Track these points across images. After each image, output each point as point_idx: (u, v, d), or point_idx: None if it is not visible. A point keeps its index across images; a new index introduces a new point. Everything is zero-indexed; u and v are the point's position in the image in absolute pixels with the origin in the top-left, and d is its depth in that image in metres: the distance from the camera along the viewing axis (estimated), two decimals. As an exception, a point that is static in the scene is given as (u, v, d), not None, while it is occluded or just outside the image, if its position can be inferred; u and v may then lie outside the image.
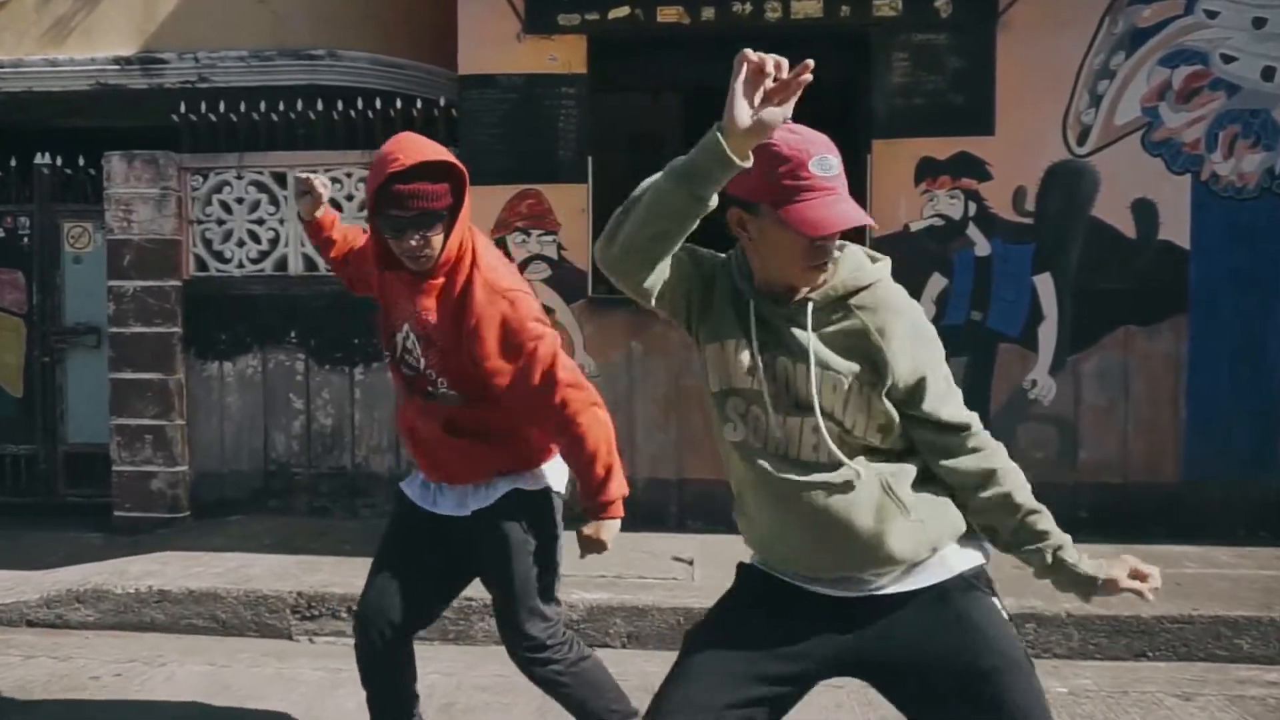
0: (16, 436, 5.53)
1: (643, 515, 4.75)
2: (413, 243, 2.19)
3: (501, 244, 4.91)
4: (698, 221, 1.55)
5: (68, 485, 5.52)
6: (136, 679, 3.30)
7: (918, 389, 1.64)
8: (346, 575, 3.92)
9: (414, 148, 2.21)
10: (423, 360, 2.31)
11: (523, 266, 4.92)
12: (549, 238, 4.93)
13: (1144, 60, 4.68)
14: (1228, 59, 4.64)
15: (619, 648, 3.61)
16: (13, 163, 5.54)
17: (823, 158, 1.57)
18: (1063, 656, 3.51)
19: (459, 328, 2.23)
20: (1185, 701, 3.12)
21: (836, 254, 1.66)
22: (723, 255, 1.76)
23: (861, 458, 1.64)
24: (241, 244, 5.18)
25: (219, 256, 5.20)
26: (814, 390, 1.61)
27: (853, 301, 1.65)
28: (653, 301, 1.66)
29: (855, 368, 1.62)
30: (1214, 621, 3.53)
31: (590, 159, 4.93)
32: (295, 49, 5.89)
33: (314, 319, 5.12)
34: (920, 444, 1.67)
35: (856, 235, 1.77)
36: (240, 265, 5.18)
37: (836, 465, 1.62)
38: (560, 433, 2.27)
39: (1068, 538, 1.65)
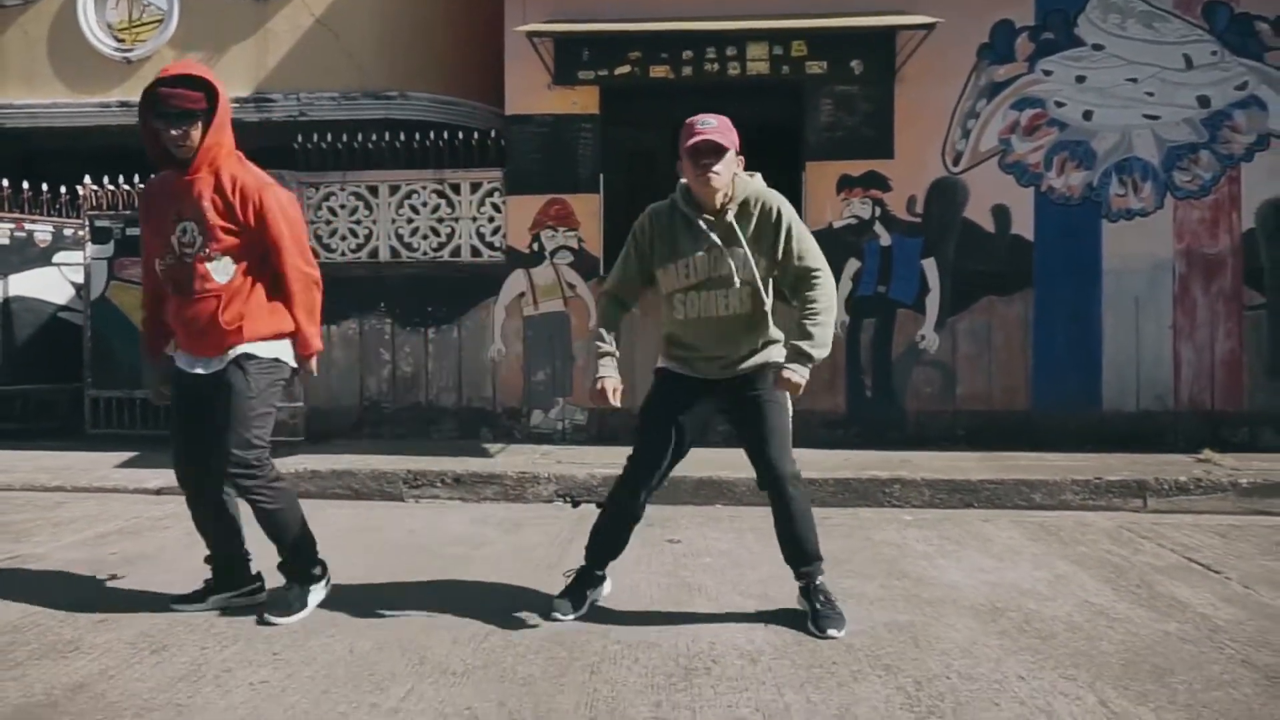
0: (169, 384, 7.32)
1: (640, 433, 6.56)
2: (174, 133, 2.91)
3: (537, 238, 6.72)
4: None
5: (207, 421, 7.29)
6: (313, 515, 5.02)
7: (797, 245, 3.02)
8: (435, 464, 5.69)
9: (180, 65, 2.95)
10: (200, 241, 2.97)
11: (552, 254, 6.71)
12: (572, 234, 6.72)
13: (1000, 105, 6.47)
14: (1059, 104, 6.43)
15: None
16: (167, 178, 7.32)
17: (705, 120, 2.96)
18: (918, 506, 5.26)
19: (244, 205, 3.02)
20: (984, 523, 4.88)
21: (718, 170, 2.94)
22: (646, 217, 3.16)
23: (748, 297, 3.03)
24: (344, 238, 6.96)
25: (327, 248, 6.98)
26: (735, 267, 3.01)
27: (753, 204, 3.02)
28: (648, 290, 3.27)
29: (763, 243, 3.01)
30: (1018, 483, 5.30)
31: (601, 176, 6.71)
32: (374, 91, 7.68)
33: (398, 293, 6.90)
34: (787, 281, 3.06)
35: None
36: (343, 254, 6.96)
37: (742, 308, 3.04)
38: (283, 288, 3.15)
39: (809, 349, 2.98)
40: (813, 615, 3.07)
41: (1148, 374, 6.43)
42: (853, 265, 6.53)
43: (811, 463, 5.64)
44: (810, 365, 2.99)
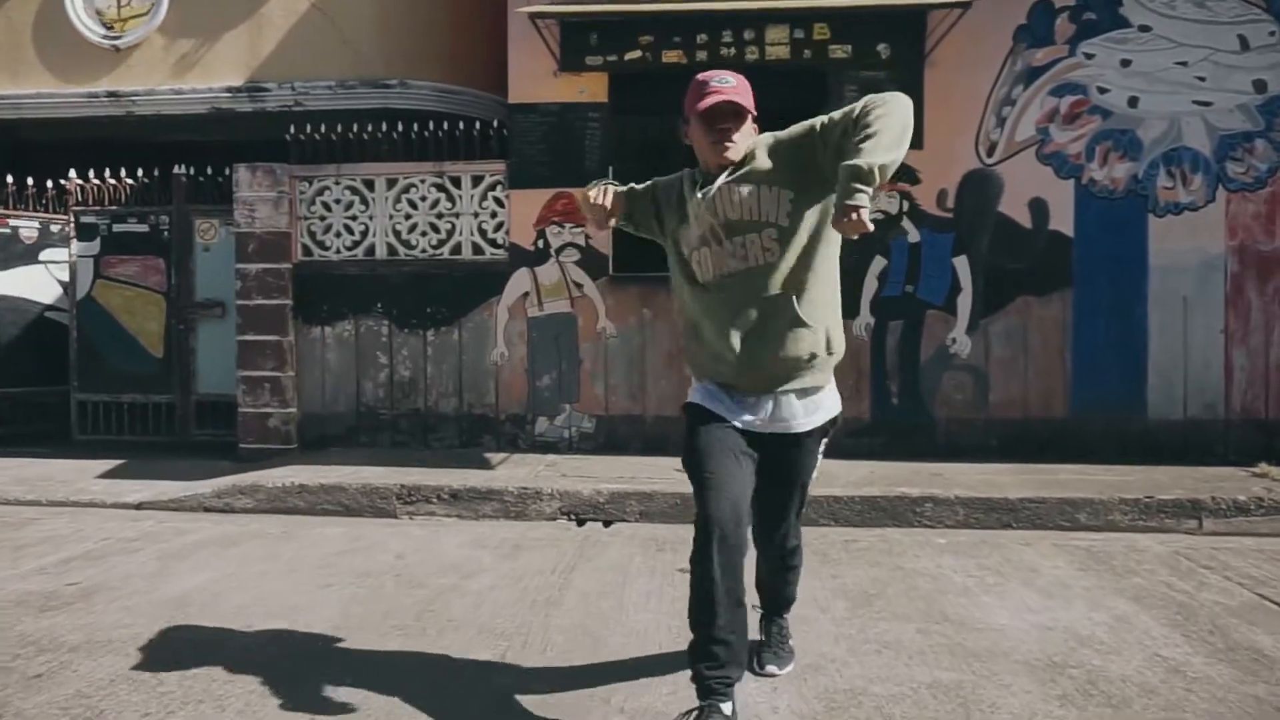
0: (158, 388, 6.99)
1: (652, 443, 6.18)
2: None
3: (542, 234, 6.33)
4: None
5: (197, 426, 6.97)
6: (297, 534, 4.72)
7: (828, 125, 2.37)
8: (432, 477, 5.33)
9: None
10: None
11: (558, 251, 6.32)
12: (578, 230, 6.32)
13: (1038, 91, 6.03)
14: (1102, 90, 5.98)
15: (634, 520, 5.00)
16: (155, 172, 6.99)
17: (722, 77, 2.43)
18: (951, 526, 4.85)
19: None
20: (1025, 547, 4.47)
21: (736, 139, 2.43)
22: (667, 179, 2.69)
23: (776, 242, 2.42)
24: (339, 235, 6.58)
25: (321, 245, 6.61)
26: (758, 201, 2.41)
27: (765, 145, 2.47)
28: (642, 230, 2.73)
29: (789, 166, 2.41)
30: (1061, 502, 4.89)
31: (611, 168, 6.31)
32: (373, 79, 7.30)
33: (395, 293, 6.52)
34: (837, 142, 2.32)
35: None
36: (338, 252, 6.59)
37: (770, 257, 2.43)
38: None
39: (866, 160, 2.18)
40: (759, 646, 2.85)
41: (1196, 380, 5.98)
42: (879, 264, 6.11)
43: (836, 476, 5.26)
44: (873, 185, 2.18)
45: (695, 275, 2.56)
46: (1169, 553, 4.31)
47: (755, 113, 2.50)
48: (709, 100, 2.43)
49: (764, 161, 2.47)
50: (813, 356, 2.49)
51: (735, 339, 2.46)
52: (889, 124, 2.24)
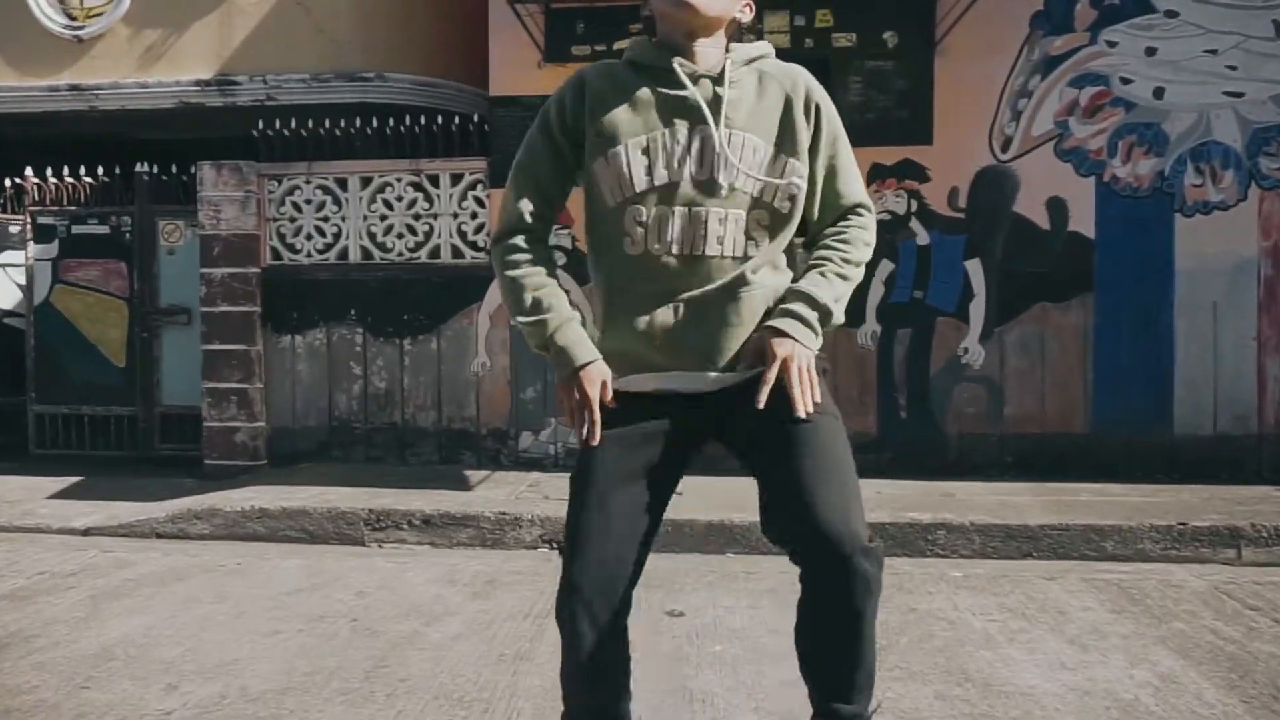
0: (120, 400, 6.59)
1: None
2: None
3: (525, 236, 5.91)
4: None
5: (161, 440, 6.58)
6: (251, 568, 4.33)
7: (841, 154, 1.80)
8: (404, 500, 4.93)
9: None
10: None
11: (543, 255, 5.91)
12: (564, 231, 5.92)
13: (1056, 82, 5.62)
14: (1125, 80, 5.58)
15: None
16: (116, 170, 6.59)
17: None
18: (966, 556, 4.45)
19: None
20: (1050, 581, 4.07)
21: None
22: (571, 82, 1.82)
23: (752, 225, 1.75)
24: (310, 237, 6.18)
25: (291, 248, 6.21)
26: (733, 164, 1.70)
27: (768, 74, 1.76)
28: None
29: (783, 137, 1.74)
30: (1086, 529, 4.49)
31: (599, 166, 5.90)
32: (349, 71, 6.88)
33: (370, 299, 6.12)
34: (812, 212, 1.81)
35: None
36: (309, 255, 6.19)
37: (736, 247, 1.75)
38: None
39: (818, 295, 1.74)
40: None
41: (1227, 391, 5.57)
42: (886, 267, 5.71)
43: (840, 500, 4.85)
44: (818, 325, 1.74)
45: (624, 237, 1.76)
46: (1208, 588, 3.91)
47: None
48: None
49: (759, 106, 1.76)
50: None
51: (676, 332, 1.77)
52: (852, 271, 1.81)
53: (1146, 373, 5.62)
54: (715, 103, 1.73)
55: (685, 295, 1.76)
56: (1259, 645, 3.22)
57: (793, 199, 1.77)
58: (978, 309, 5.69)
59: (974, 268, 5.68)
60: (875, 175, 5.68)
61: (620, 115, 1.74)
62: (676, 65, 1.74)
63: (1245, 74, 5.48)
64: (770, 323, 1.73)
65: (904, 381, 5.75)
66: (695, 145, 1.72)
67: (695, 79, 1.74)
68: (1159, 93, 5.54)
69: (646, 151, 1.73)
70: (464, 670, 3.02)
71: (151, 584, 4.02)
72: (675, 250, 1.74)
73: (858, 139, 5.88)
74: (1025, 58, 5.61)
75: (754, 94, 1.76)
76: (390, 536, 4.75)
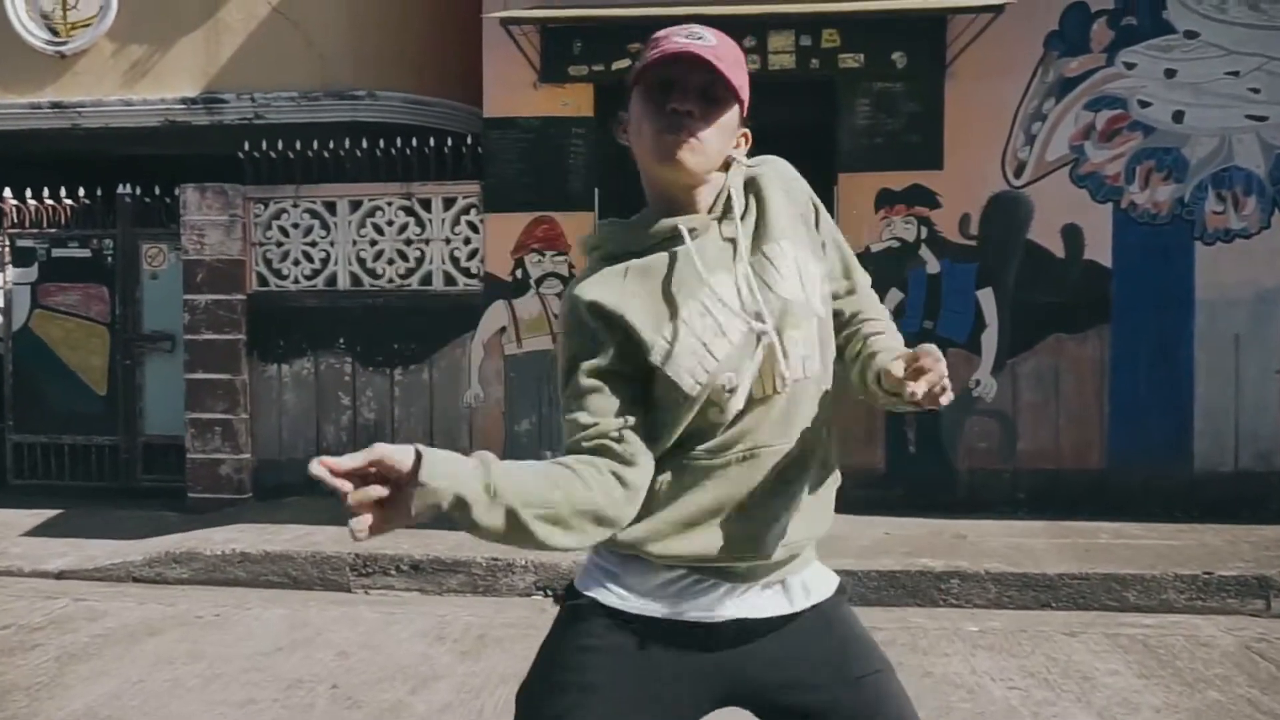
0: (101, 429, 6.37)
1: (641, 495, 5.56)
2: None
3: (520, 264, 5.71)
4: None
5: (144, 471, 6.35)
6: (232, 618, 4.11)
7: (846, 251, 1.53)
8: (394, 542, 4.71)
9: None
10: None
11: (538, 282, 5.71)
12: (561, 258, 5.71)
13: (1072, 105, 5.42)
14: (1144, 103, 5.37)
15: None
16: (98, 192, 6.38)
17: (694, 31, 1.34)
18: (981, 606, 4.24)
19: None
20: (1071, 638, 3.86)
21: (704, 135, 1.32)
22: (581, 287, 1.36)
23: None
24: (297, 263, 5.97)
25: (278, 274, 6.00)
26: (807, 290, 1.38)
27: (755, 189, 1.41)
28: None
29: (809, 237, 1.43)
30: (1106, 578, 4.27)
31: (597, 190, 5.70)
32: (339, 89, 6.68)
33: (359, 327, 5.90)
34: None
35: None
36: (296, 281, 5.98)
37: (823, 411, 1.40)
38: None
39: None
40: None
41: (1248, 427, 5.37)
42: (895, 296, 5.50)
43: (846, 539, 4.68)
44: None
45: (709, 439, 1.35)
46: (1239, 645, 3.71)
47: (746, 100, 1.37)
48: (663, 49, 1.31)
49: (783, 208, 1.42)
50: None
51: (755, 538, 1.37)
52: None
53: (1165, 407, 5.41)
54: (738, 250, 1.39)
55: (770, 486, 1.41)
56: (1302, 722, 3.01)
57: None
58: (990, 340, 5.49)
59: (986, 297, 5.48)
60: (884, 201, 5.49)
61: (660, 297, 1.36)
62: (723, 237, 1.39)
63: (1269, 97, 5.28)
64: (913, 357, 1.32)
65: (913, 415, 5.53)
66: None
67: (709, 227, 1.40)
68: (1179, 116, 5.34)
69: (717, 323, 1.36)
70: (449, 753, 2.80)
71: (122, 640, 3.80)
72: (756, 442, 1.38)
73: (865, 164, 5.70)
74: (1039, 80, 5.41)
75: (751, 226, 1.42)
76: (377, 583, 4.54)
